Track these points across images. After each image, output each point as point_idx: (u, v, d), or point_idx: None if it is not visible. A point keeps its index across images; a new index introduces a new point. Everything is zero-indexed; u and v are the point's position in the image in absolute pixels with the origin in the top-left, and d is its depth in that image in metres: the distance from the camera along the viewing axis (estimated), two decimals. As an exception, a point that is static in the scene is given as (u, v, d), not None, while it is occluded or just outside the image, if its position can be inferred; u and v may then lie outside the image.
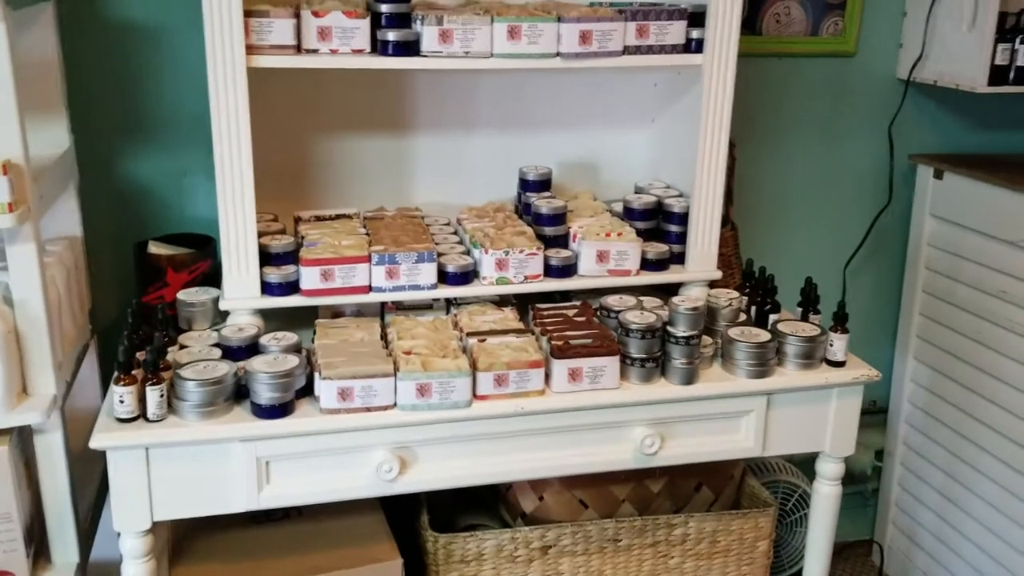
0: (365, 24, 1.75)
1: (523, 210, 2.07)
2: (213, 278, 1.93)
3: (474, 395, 1.66)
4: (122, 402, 1.55)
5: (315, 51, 1.74)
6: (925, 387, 2.65)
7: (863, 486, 2.87)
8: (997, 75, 2.26)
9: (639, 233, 1.97)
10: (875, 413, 2.80)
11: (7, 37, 1.45)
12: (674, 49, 1.88)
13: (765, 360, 1.79)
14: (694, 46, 1.88)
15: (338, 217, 2.00)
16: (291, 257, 1.81)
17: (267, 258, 1.79)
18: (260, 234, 1.79)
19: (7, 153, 1.49)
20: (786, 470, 2.52)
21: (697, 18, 1.88)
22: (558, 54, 1.82)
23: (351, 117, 2.09)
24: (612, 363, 1.72)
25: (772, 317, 1.92)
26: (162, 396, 1.56)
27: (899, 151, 2.57)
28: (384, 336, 1.78)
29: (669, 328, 1.77)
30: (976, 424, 2.46)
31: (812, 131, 2.53)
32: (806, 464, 2.23)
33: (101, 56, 2.04)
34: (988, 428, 2.42)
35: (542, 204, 1.97)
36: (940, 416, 2.59)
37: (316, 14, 1.72)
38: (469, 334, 1.76)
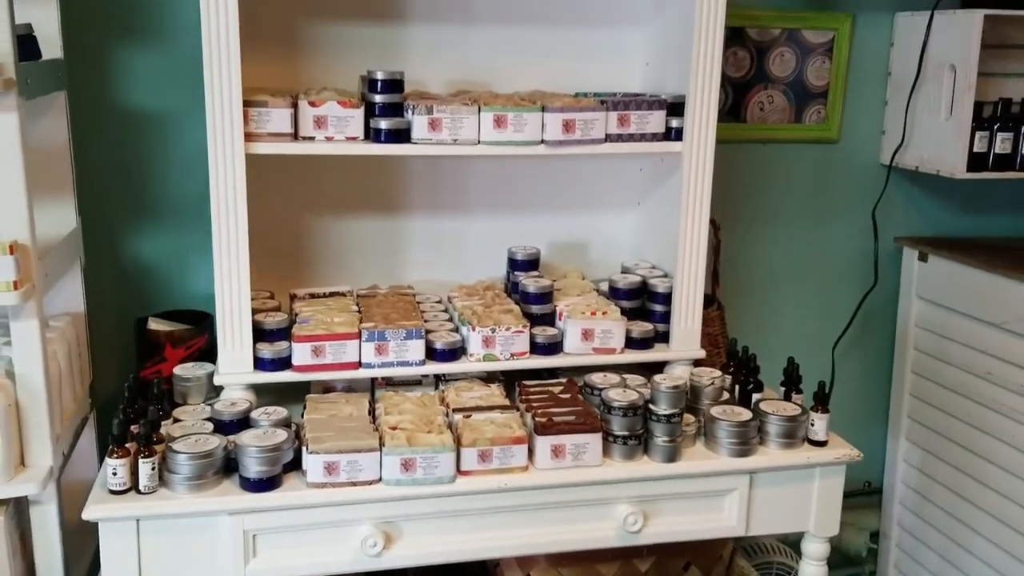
0: (359, 113, 1.84)
1: (512, 288, 2.13)
2: (209, 353, 1.99)
3: (458, 470, 1.69)
4: (115, 474, 1.60)
5: (311, 138, 1.83)
6: (917, 468, 2.65)
7: (859, 568, 2.85)
8: (976, 161, 2.34)
9: (624, 312, 2.02)
10: (869, 494, 2.79)
11: (19, 126, 1.54)
12: (654, 137, 1.96)
13: (747, 439, 1.82)
14: (674, 134, 1.97)
15: (332, 295, 2.07)
16: (284, 333, 1.87)
17: (261, 334, 1.85)
18: (255, 311, 1.86)
19: (15, 234, 1.57)
20: (780, 551, 2.52)
21: (676, 108, 1.97)
22: (543, 141, 1.90)
23: (347, 199, 2.18)
24: (595, 440, 1.76)
25: (755, 396, 1.95)
26: (153, 469, 1.60)
27: (884, 233, 2.63)
28: (372, 411, 1.82)
29: (651, 406, 1.80)
30: (969, 506, 2.46)
31: (798, 214, 2.60)
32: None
33: (109, 141, 2.14)
34: (981, 511, 2.42)
35: (529, 283, 2.03)
36: (933, 498, 2.59)
37: (312, 103, 1.82)
38: (455, 410, 1.80)
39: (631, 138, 1.95)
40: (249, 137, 1.76)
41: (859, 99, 2.56)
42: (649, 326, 2.02)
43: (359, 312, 1.95)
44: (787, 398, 1.96)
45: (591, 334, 1.95)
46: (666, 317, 2.04)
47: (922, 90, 2.44)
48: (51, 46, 1.90)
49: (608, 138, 1.94)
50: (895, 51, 2.54)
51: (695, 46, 1.92)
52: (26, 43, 1.69)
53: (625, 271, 2.18)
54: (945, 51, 2.36)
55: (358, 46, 2.10)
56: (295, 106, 1.82)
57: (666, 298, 2.03)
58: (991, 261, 2.35)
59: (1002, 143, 2.33)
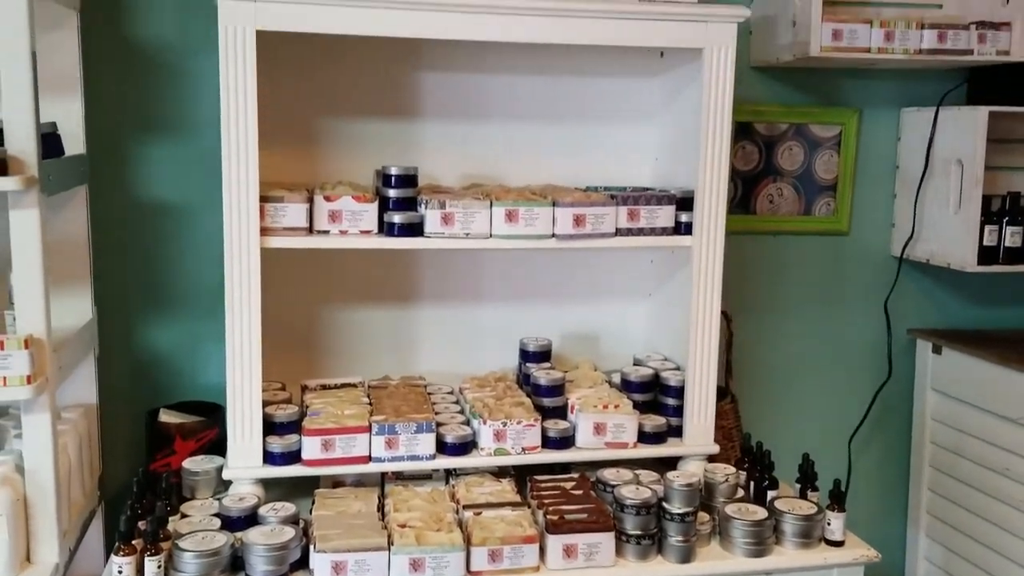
0: (373, 208, 1.87)
1: (523, 380, 2.13)
2: (220, 444, 1.98)
3: (468, 570, 1.66)
4: (120, 572, 1.58)
5: (326, 232, 1.85)
6: (939, 566, 2.59)
7: (882, 670, 2.76)
8: (986, 255, 2.34)
9: (637, 405, 2.01)
10: (890, 592, 2.72)
11: (39, 222, 1.57)
12: (664, 231, 1.98)
13: (763, 539, 1.79)
14: (684, 228, 1.98)
15: (343, 386, 2.07)
16: (295, 426, 1.86)
17: (271, 427, 1.85)
18: (266, 403, 1.85)
19: (31, 328, 1.59)
20: (798, 651, 2.44)
21: (686, 202, 1.99)
22: (554, 235, 1.92)
23: (359, 289, 2.19)
24: (607, 540, 1.72)
25: (770, 494, 1.92)
26: (160, 567, 1.58)
27: (897, 325, 2.62)
28: (381, 507, 1.80)
29: (665, 504, 1.78)
30: (993, 606, 2.39)
31: (810, 305, 2.60)
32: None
33: (128, 232, 2.18)
34: (1005, 610, 2.35)
35: (541, 375, 2.03)
36: (956, 597, 2.52)
37: (328, 198, 1.85)
38: (465, 506, 1.77)
39: (641, 232, 1.97)
40: (265, 232, 1.79)
41: (868, 192, 2.59)
42: (662, 420, 2.01)
43: (370, 404, 1.95)
44: (803, 496, 1.93)
45: (603, 428, 1.94)
46: (679, 411, 2.02)
47: (930, 184, 2.46)
48: (74, 141, 1.95)
49: (618, 232, 1.96)
50: (902, 145, 2.57)
51: (703, 142, 1.95)
52: (50, 141, 1.74)
53: (637, 363, 2.18)
54: (952, 146, 2.39)
55: (373, 140, 2.14)
56: (311, 200, 1.85)
57: (679, 392, 2.02)
58: (1005, 355, 2.33)
59: (1012, 237, 2.33)
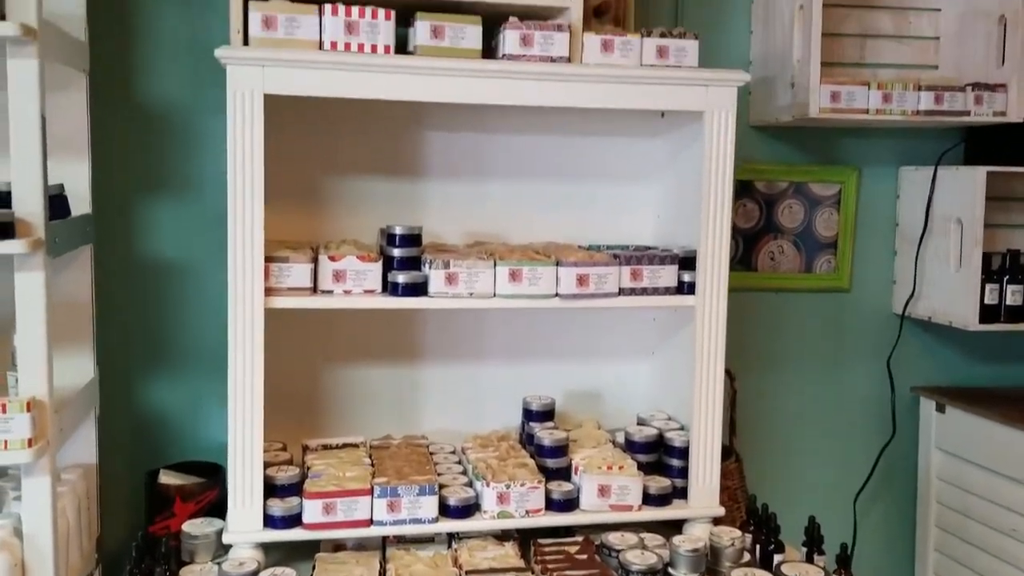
0: (377, 267, 1.87)
1: (526, 440, 2.11)
2: (220, 506, 1.96)
3: (471, 636, 1.64)
4: (116, 639, 1.55)
5: (330, 292, 1.85)
6: (948, 628, 2.55)
7: None
8: (988, 313, 2.34)
9: (641, 466, 1.99)
10: (899, 655, 2.68)
11: (44, 285, 1.58)
12: (667, 291, 1.98)
13: (769, 603, 1.76)
14: (686, 288, 1.99)
15: (345, 446, 2.05)
16: (296, 488, 1.84)
17: (272, 490, 1.83)
18: (267, 464, 1.84)
19: (33, 390, 1.58)
20: None
21: (688, 262, 2.00)
22: (557, 295, 1.92)
23: (363, 348, 2.19)
24: (612, 604, 1.70)
25: (776, 558, 1.90)
26: (157, 633, 1.55)
27: (900, 383, 2.61)
28: (383, 572, 1.78)
29: (671, 570, 1.76)
30: (1003, 670, 2.35)
31: (813, 363, 2.59)
32: None
33: (131, 290, 2.18)
34: (1016, 675, 2.31)
35: (544, 435, 2.01)
36: (966, 660, 2.48)
37: (332, 258, 1.85)
38: (469, 572, 1.75)
39: (644, 292, 1.97)
40: (269, 292, 1.79)
41: (868, 249, 2.60)
42: (667, 482, 1.99)
43: (372, 465, 1.93)
44: (809, 559, 1.90)
45: (608, 490, 1.92)
46: (684, 472, 2.01)
47: (930, 242, 2.48)
48: (81, 201, 1.96)
49: (621, 292, 1.96)
50: (901, 203, 2.59)
51: (705, 203, 1.96)
52: (57, 202, 1.75)
53: (641, 422, 2.17)
54: (951, 205, 2.41)
55: (377, 199, 2.16)
56: (315, 260, 1.85)
57: (683, 452, 2.01)
58: (1008, 414, 2.32)
59: (1012, 295, 2.34)
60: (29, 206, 1.58)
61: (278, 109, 1.84)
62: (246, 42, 1.78)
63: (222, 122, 1.75)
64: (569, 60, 1.91)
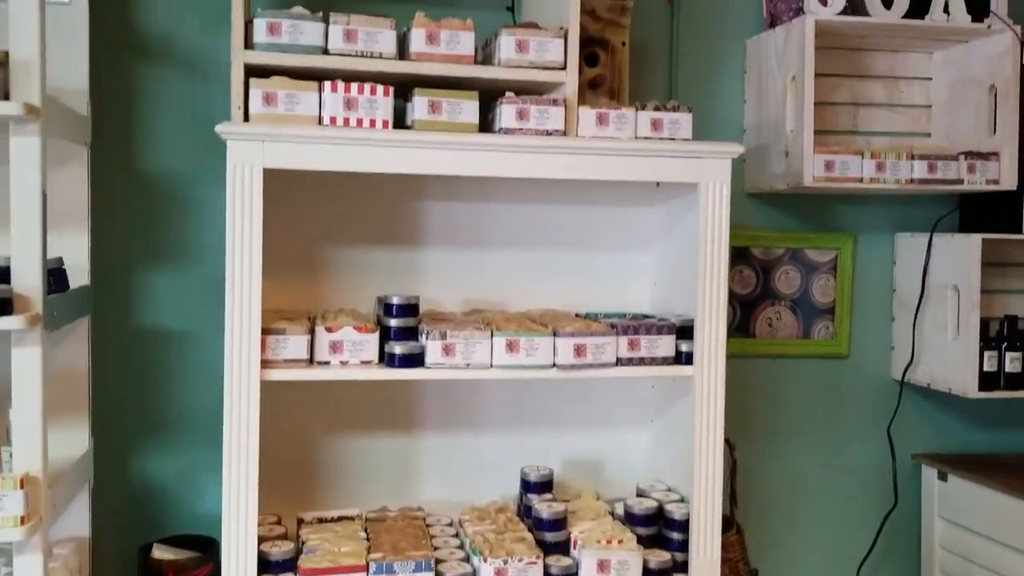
0: (374, 338, 1.88)
1: (525, 511, 2.09)
2: (214, 580, 1.94)
3: None
4: None
5: (326, 363, 1.85)
6: None
7: None
8: (987, 381, 2.34)
9: (641, 540, 1.97)
10: None
11: (41, 361, 1.58)
12: (665, 361, 1.98)
13: None
14: (684, 358, 1.99)
15: (340, 519, 2.03)
16: (290, 564, 1.82)
17: (266, 566, 1.80)
18: (261, 539, 1.82)
19: (27, 466, 1.58)
20: None
21: (686, 331, 2.00)
22: (555, 365, 1.92)
23: (359, 418, 2.18)
24: None
25: (779, 632, 1.87)
26: None
27: (901, 450, 2.59)
28: (378, 650, 1.75)
29: (670, 645, 1.72)
30: None
31: (813, 430, 2.58)
32: None
33: (128, 361, 2.18)
34: None
35: (543, 508, 1.99)
36: None
37: (329, 329, 1.86)
38: (465, 649, 1.72)
39: (642, 362, 1.97)
40: (265, 364, 1.79)
41: (866, 315, 2.60)
42: (667, 555, 1.97)
43: (367, 539, 1.91)
44: (812, 634, 1.87)
45: (607, 565, 1.89)
46: (684, 545, 1.98)
47: (927, 308, 2.48)
48: (79, 273, 1.98)
49: (619, 362, 1.96)
50: (898, 269, 2.60)
51: (701, 273, 1.97)
52: (55, 276, 1.76)
53: (640, 494, 2.15)
54: (947, 272, 2.41)
55: (375, 267, 2.17)
56: (312, 331, 1.85)
57: (683, 525, 1.99)
58: (1010, 483, 2.30)
59: (1011, 363, 2.34)
60: (28, 281, 1.59)
61: (277, 179, 1.85)
62: (247, 117, 1.81)
63: (221, 191, 1.77)
64: (565, 133, 1.93)
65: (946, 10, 2.32)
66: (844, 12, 2.29)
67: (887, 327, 2.62)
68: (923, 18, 2.32)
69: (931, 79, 2.58)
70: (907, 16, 2.30)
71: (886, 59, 2.56)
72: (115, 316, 2.16)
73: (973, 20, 2.32)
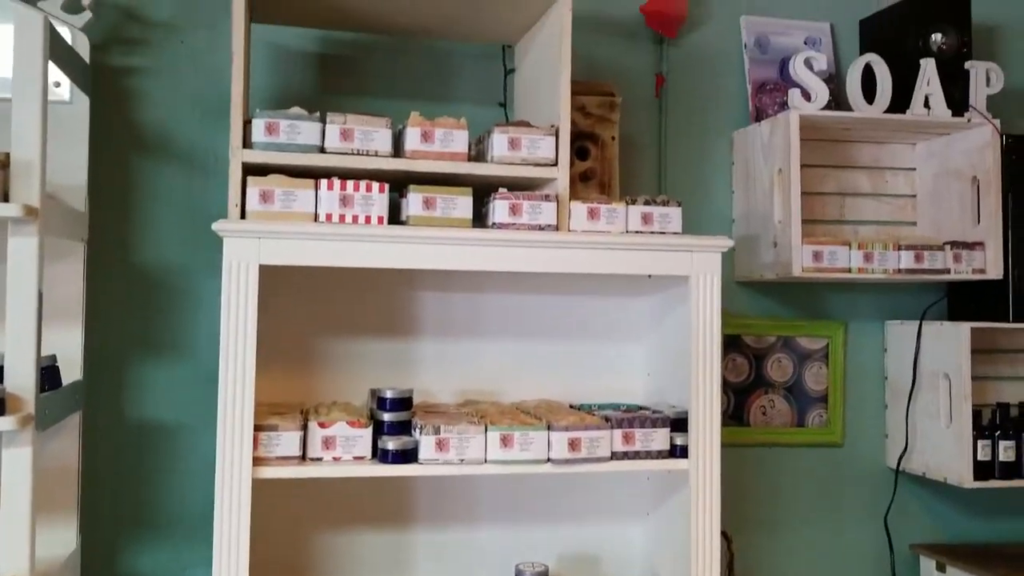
0: (367, 433, 1.87)
1: (520, 610, 2.05)
2: None
3: None
4: None
5: (319, 459, 1.84)
6: None
7: None
8: (982, 470, 2.33)
9: (637, 637, 1.94)
10: None
11: (31, 460, 1.56)
12: (659, 455, 1.98)
13: None
14: (679, 451, 1.98)
15: (332, 618, 1.99)
16: (280, 667, 1.78)
17: (255, 669, 1.76)
18: (251, 642, 1.78)
19: (14, 569, 1.55)
20: None
21: (680, 423, 2.00)
22: (549, 460, 1.91)
23: (351, 512, 2.16)
24: None
25: None
26: None
27: (898, 540, 2.57)
28: None
29: None
30: None
31: (809, 519, 2.55)
32: None
33: (118, 456, 2.16)
34: None
35: (538, 605, 1.96)
36: None
37: (322, 424, 1.85)
38: None
39: (636, 456, 1.96)
40: (257, 461, 1.78)
41: (859, 403, 2.60)
42: (663, 654, 1.93)
43: (359, 640, 1.87)
44: None
45: (602, 665, 1.86)
46: (681, 643, 1.95)
47: (920, 396, 2.49)
48: (72, 367, 1.97)
49: (614, 456, 1.95)
50: (889, 357, 2.61)
51: (693, 365, 1.98)
52: (48, 373, 1.76)
53: (636, 589, 2.12)
54: (938, 360, 2.43)
55: (370, 358, 2.17)
56: (305, 427, 1.84)
57: (679, 622, 1.96)
58: (1009, 574, 2.27)
59: (1005, 451, 2.34)
60: (21, 380, 1.58)
61: (272, 271, 1.87)
62: (243, 214, 1.83)
63: (215, 282, 1.78)
64: (557, 227, 1.96)
65: (927, 104, 2.38)
66: (828, 107, 2.35)
67: (880, 415, 2.62)
68: (905, 112, 2.38)
69: (915, 169, 2.63)
70: (889, 110, 2.37)
71: (870, 150, 2.61)
72: (107, 410, 2.15)
73: (953, 114, 2.39)
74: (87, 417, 2.07)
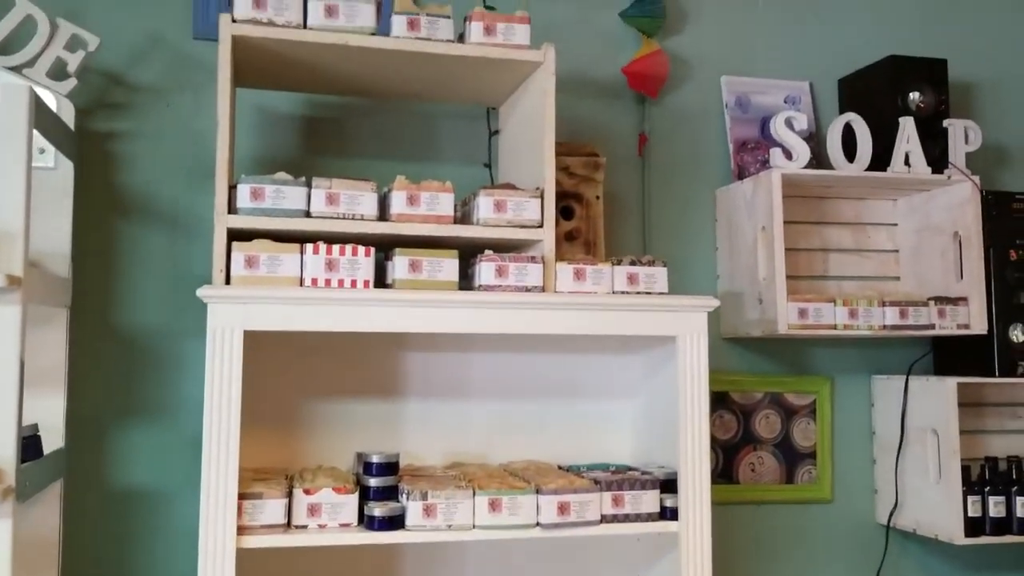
0: (353, 499, 1.85)
1: (509, 677, 2.01)
2: None
3: None
4: None
5: (304, 527, 1.81)
6: None
7: None
8: (973, 526, 2.32)
9: None
10: None
11: (11, 535, 1.53)
12: (649, 517, 1.96)
13: None
14: (668, 513, 1.96)
15: None
16: None
17: None
18: None
19: (-12, 648, 1.51)
20: None
21: (670, 484, 1.98)
22: (538, 524, 1.89)
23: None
24: None
25: None
26: None
27: (893, 598, 2.55)
28: None
29: None
30: None
31: (801, 578, 2.54)
32: None
33: (99, 524, 2.12)
34: None
35: (528, 674, 1.92)
36: None
37: (307, 491, 1.82)
38: None
39: (626, 519, 1.95)
40: (241, 530, 1.75)
41: (848, 459, 2.59)
42: None
43: None
44: None
45: None
46: None
47: (908, 451, 2.48)
48: (54, 435, 1.94)
49: (603, 519, 1.93)
50: (876, 412, 2.61)
51: (682, 423, 1.97)
52: (30, 443, 1.73)
53: (627, 654, 2.08)
54: (925, 415, 2.43)
55: (356, 421, 2.16)
56: (290, 493, 1.82)
57: None
58: (1007, 633, 2.26)
59: (995, 507, 2.33)
60: (1, 452, 1.55)
61: (256, 335, 1.86)
62: (228, 279, 1.83)
63: (199, 344, 1.77)
64: (543, 289, 1.96)
65: (907, 162, 2.41)
66: (809, 165, 2.37)
67: (869, 470, 2.61)
68: (885, 170, 2.41)
69: (896, 224, 2.66)
70: (869, 168, 2.40)
71: (852, 206, 2.64)
72: (89, 477, 2.12)
73: (933, 171, 2.42)
74: (69, 485, 2.03)
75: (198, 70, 2.26)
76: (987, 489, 2.35)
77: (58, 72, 2.02)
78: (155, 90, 2.25)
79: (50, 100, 1.98)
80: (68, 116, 2.03)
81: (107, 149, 2.21)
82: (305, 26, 1.92)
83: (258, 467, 2.04)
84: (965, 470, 2.35)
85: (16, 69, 1.99)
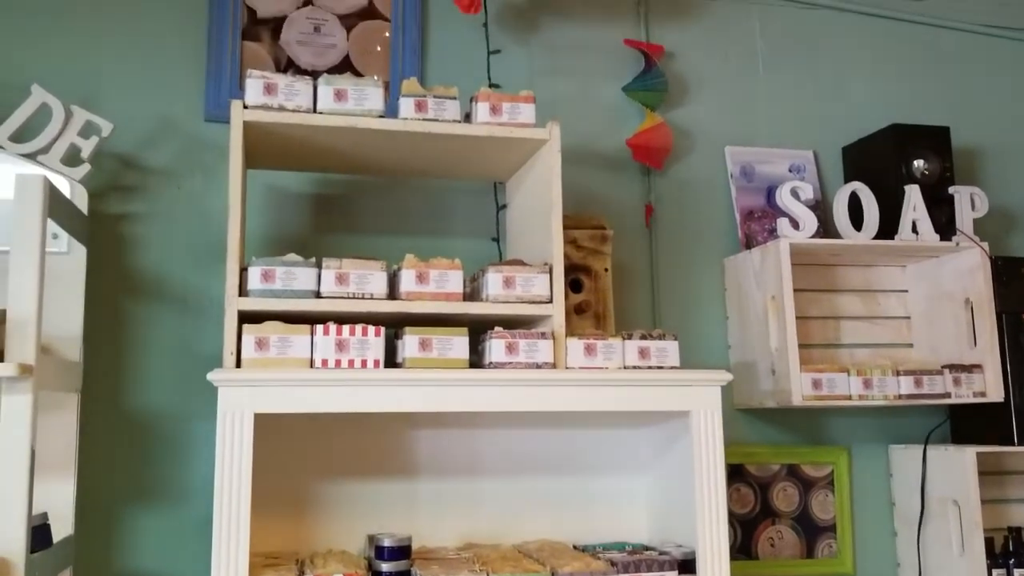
0: (366, 585, 1.81)
1: None
2: None
3: None
4: None
5: (316, 614, 1.78)
6: None
7: None
8: (1000, 598, 2.26)
9: None
10: None
11: (16, 630, 1.50)
12: (670, 600, 1.92)
13: None
14: (689, 595, 1.92)
15: None
16: None
17: None
18: None
19: None
20: None
21: (688, 564, 1.94)
22: (555, 608, 1.85)
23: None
24: None
25: None
26: None
27: (920, 673, 2.47)
28: None
29: None
30: None
31: (825, 655, 2.46)
32: None
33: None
34: None
35: None
36: None
37: (319, 577, 1.79)
38: None
39: (645, 601, 1.90)
40: (250, 619, 1.72)
41: (868, 531, 2.54)
42: None
43: None
44: None
45: None
46: None
47: (930, 523, 2.43)
48: (63, 523, 1.92)
49: (621, 601, 1.89)
50: (895, 483, 2.57)
51: (698, 501, 1.94)
52: (39, 533, 1.71)
53: None
54: (945, 485, 2.38)
55: (367, 502, 2.13)
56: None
57: None
58: None
59: (1022, 581, 2.28)
60: (11, 544, 1.54)
61: (266, 417, 1.84)
62: (239, 361, 1.82)
63: (209, 426, 1.76)
64: (554, 365, 1.95)
65: (915, 230, 2.42)
66: (816, 234, 2.38)
67: (890, 543, 2.55)
68: (892, 237, 2.42)
69: (907, 291, 2.65)
70: (877, 236, 2.40)
71: (861, 273, 2.64)
72: (98, 563, 2.09)
73: (941, 238, 2.42)
74: (78, 572, 2.00)
75: (209, 151, 2.29)
76: (1012, 561, 2.29)
77: (72, 158, 2.04)
78: (167, 172, 2.28)
79: (64, 186, 2.01)
80: (81, 200, 2.05)
81: (119, 231, 2.22)
82: (315, 110, 1.95)
83: (269, 551, 2.01)
84: (988, 541, 2.30)
85: (31, 156, 2.02)
